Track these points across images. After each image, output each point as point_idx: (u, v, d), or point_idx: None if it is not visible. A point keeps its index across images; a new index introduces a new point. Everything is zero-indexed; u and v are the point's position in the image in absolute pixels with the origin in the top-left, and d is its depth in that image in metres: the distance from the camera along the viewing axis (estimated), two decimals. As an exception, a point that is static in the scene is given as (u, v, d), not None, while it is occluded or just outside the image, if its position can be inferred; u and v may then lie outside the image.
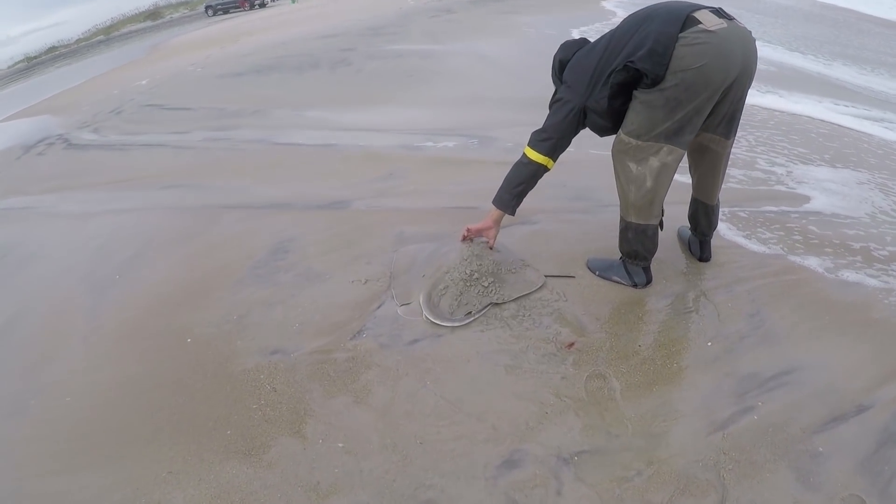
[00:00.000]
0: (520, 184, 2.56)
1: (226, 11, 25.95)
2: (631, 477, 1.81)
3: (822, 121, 5.36)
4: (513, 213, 2.65)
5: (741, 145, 4.47)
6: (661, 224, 2.55)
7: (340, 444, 1.95)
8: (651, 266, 2.65)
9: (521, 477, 1.82)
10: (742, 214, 3.30)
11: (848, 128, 5.23)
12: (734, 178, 3.82)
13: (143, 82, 9.60)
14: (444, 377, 2.20)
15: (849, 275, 2.75)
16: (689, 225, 2.88)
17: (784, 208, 3.43)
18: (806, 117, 5.43)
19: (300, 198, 3.92)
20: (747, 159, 4.19)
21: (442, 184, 3.98)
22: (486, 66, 7.76)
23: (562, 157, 2.53)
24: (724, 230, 3.12)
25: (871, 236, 3.10)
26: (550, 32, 9.71)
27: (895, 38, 11.01)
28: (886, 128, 5.39)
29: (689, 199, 2.77)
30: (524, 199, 2.63)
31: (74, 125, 7.14)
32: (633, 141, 2.31)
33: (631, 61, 2.13)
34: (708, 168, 2.57)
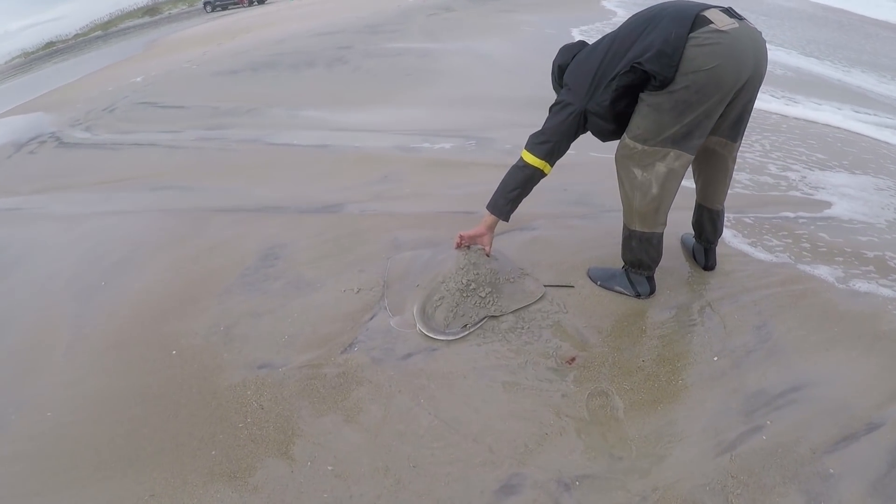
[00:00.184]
0: (515, 188, 2.45)
1: (224, 8, 25.81)
2: (635, 503, 1.72)
3: (841, 128, 5.25)
4: (507, 220, 2.55)
5: (755, 150, 4.38)
6: None
7: (330, 467, 1.86)
8: (654, 275, 2.56)
9: (520, 503, 1.73)
10: (748, 221, 3.21)
11: (868, 136, 5.12)
12: (742, 183, 3.73)
13: (138, 79, 9.51)
14: (438, 395, 2.10)
15: (860, 285, 2.66)
16: (692, 232, 2.79)
17: (802, 214, 3.34)
18: (823, 124, 5.33)
19: (292, 201, 3.82)
20: (758, 164, 4.11)
21: (438, 187, 3.88)
22: (484, 66, 7.67)
23: (562, 159, 2.43)
24: (730, 237, 3.03)
25: (886, 244, 3.01)
26: (550, 31, 9.63)
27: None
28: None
29: (692, 205, 2.68)
30: (520, 205, 2.53)
31: (67, 123, 7.05)
32: (639, 146, 2.21)
33: (638, 62, 2.03)
34: (714, 172, 2.48)
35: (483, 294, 2.51)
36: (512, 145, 4.52)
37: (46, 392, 2.34)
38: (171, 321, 2.66)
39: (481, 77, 7.09)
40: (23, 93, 12.09)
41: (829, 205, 3.49)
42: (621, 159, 2.32)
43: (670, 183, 2.25)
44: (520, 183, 2.44)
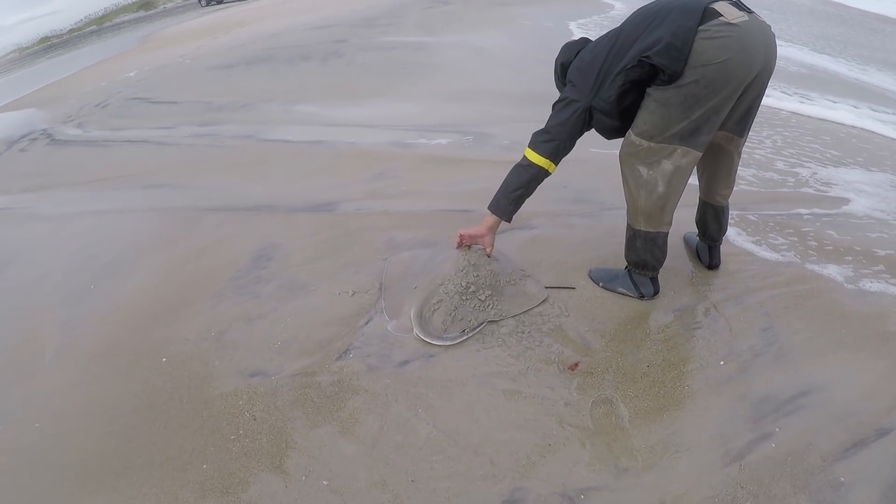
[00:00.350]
0: (518, 188, 2.37)
1: (219, 2, 25.58)
2: (642, 518, 1.66)
3: (856, 127, 5.17)
4: (509, 220, 2.47)
5: (765, 147, 4.31)
6: None
7: (325, 482, 1.79)
8: (658, 276, 2.50)
9: (523, 519, 1.67)
10: (752, 218, 3.15)
11: (883, 135, 5.04)
12: (747, 179, 3.67)
13: (132, 74, 9.38)
14: (437, 404, 2.03)
15: (868, 284, 2.60)
16: (695, 230, 2.72)
17: (816, 210, 3.28)
18: (836, 122, 5.25)
19: (286, 199, 3.74)
20: (767, 160, 4.05)
21: (435, 184, 3.81)
22: (481, 59, 7.57)
23: (562, 156, 2.36)
24: (734, 235, 2.96)
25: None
26: (548, 25, 9.53)
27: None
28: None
29: (695, 202, 2.62)
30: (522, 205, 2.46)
31: (59, 119, 6.96)
32: (645, 143, 2.14)
33: (646, 56, 1.97)
34: (718, 167, 2.42)
35: (483, 297, 2.44)
36: (510, 141, 4.45)
37: (33, 402, 2.27)
38: (161, 326, 2.58)
39: (478, 71, 7.00)
40: (16, 88, 11.93)
41: (846, 201, 3.44)
42: (626, 157, 2.25)
43: (677, 181, 2.18)
44: (523, 182, 2.36)
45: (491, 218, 2.47)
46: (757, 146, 4.29)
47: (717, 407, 2.01)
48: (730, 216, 2.64)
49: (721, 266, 2.70)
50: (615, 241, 2.83)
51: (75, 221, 3.84)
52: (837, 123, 5.22)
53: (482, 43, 8.43)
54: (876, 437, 1.89)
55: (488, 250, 2.58)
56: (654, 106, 2.07)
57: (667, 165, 2.14)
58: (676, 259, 2.75)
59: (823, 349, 2.26)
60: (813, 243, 2.90)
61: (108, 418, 2.13)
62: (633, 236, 2.39)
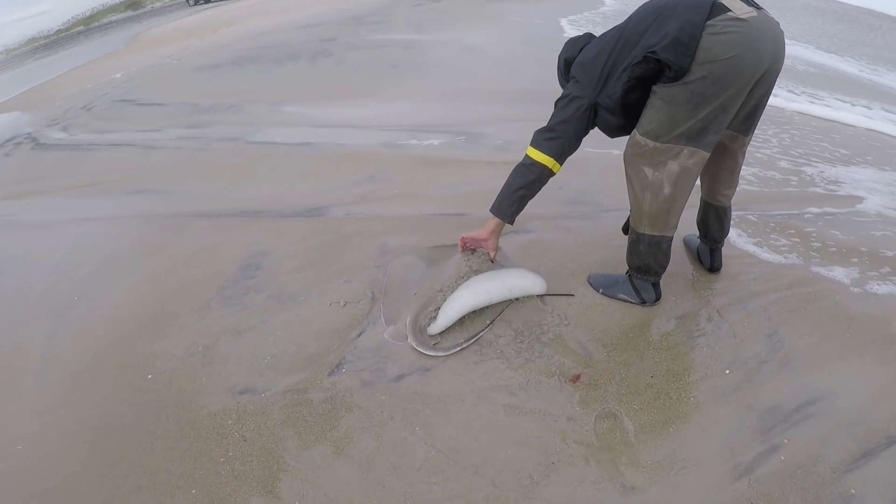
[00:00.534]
0: (520, 188, 2.29)
1: (207, 0, 25.31)
2: (651, 540, 1.60)
3: (869, 129, 5.13)
4: (511, 222, 2.40)
5: (771, 146, 4.25)
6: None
7: (319, 507, 1.71)
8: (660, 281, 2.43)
9: (527, 544, 1.60)
10: (751, 218, 3.09)
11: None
12: (748, 179, 3.62)
13: (118, 75, 9.23)
14: (434, 421, 1.95)
15: (872, 286, 2.55)
16: (695, 233, 2.66)
17: (824, 209, 3.23)
18: (845, 123, 5.21)
19: (274, 204, 3.65)
20: (768, 159, 3.99)
21: (427, 187, 3.72)
22: (472, 57, 7.48)
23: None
24: (734, 237, 2.90)
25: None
26: (539, 21, 9.45)
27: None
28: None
29: (696, 203, 2.55)
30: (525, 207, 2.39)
31: (44, 122, 6.81)
32: (651, 143, 2.07)
33: (652, 51, 1.89)
34: (722, 167, 2.35)
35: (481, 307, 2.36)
36: (503, 140, 4.37)
37: (15, 423, 2.17)
38: (146, 340, 2.49)
39: (469, 69, 6.91)
40: (1, 91, 11.76)
41: (860, 199, 3.39)
42: (631, 157, 2.18)
43: (683, 182, 2.11)
44: (525, 182, 2.28)
45: (493, 221, 2.41)
46: (762, 145, 4.23)
47: (724, 418, 1.95)
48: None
49: (722, 269, 2.64)
50: (614, 244, 2.77)
51: (59, 229, 3.74)
52: (847, 125, 5.17)
53: (473, 40, 8.33)
54: (885, 445, 1.86)
55: (492, 254, 2.52)
56: (660, 104, 2.00)
57: (673, 166, 2.07)
58: (677, 262, 2.68)
59: (829, 355, 2.22)
60: (816, 244, 2.84)
61: (93, 440, 2.04)
62: (636, 240, 2.31)
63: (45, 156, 5.60)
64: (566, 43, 2.33)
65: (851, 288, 2.55)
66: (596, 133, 2.29)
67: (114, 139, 5.69)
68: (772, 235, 2.92)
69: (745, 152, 2.32)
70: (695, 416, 1.96)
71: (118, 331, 2.58)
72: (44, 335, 2.64)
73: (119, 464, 1.93)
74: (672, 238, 2.29)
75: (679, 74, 1.90)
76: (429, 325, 2.31)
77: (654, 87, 2.01)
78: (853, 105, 5.84)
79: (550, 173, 2.26)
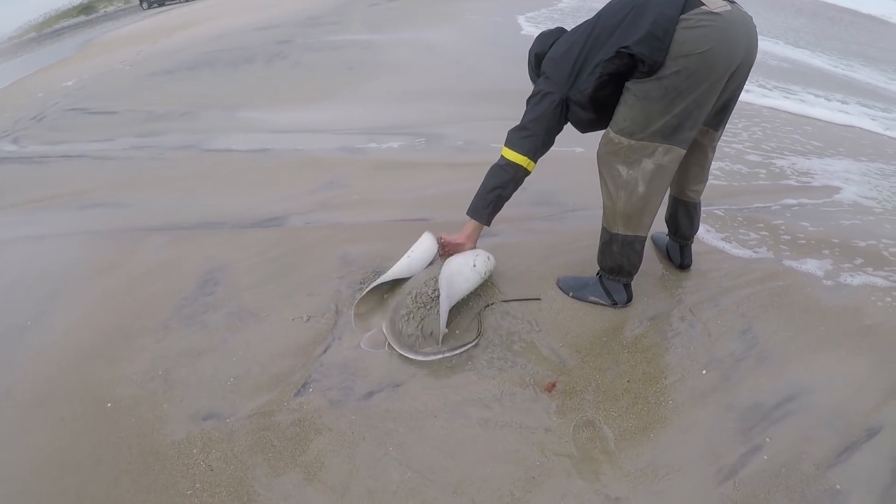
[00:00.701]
0: (495, 188, 2.26)
1: (161, 4, 24.69)
2: (638, 554, 1.53)
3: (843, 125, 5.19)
4: (488, 224, 2.37)
5: (742, 139, 4.26)
6: None
7: (290, 540, 1.60)
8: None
9: (511, 566, 1.51)
10: (718, 213, 3.07)
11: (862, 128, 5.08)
12: (721, 172, 3.59)
13: (70, 83, 8.87)
14: (408, 440, 1.85)
15: (842, 277, 2.56)
16: (664, 230, 2.62)
17: (803, 200, 3.25)
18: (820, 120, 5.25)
19: (231, 214, 3.49)
20: (736, 152, 3.97)
21: (388, 191, 3.61)
22: (430, 56, 7.40)
23: (518, 155, 2.23)
24: (702, 232, 2.89)
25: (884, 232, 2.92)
26: (497, 20, 9.41)
27: (876, 30, 11.12)
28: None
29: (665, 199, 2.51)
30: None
31: (-5, 135, 6.50)
32: (625, 140, 2.02)
33: (625, 46, 1.85)
34: (691, 162, 2.31)
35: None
36: (464, 141, 4.29)
37: (-34, 459, 2.00)
38: (104, 365, 2.31)
39: (427, 69, 6.82)
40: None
41: (837, 190, 3.42)
42: (605, 156, 2.12)
43: (658, 181, 2.06)
44: (500, 183, 2.26)
45: (470, 224, 2.39)
46: (732, 139, 4.25)
47: (704, 420, 1.91)
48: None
49: (692, 266, 2.61)
50: (582, 245, 2.72)
51: (11, 249, 3.50)
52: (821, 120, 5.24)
53: (430, 40, 8.26)
54: (866, 437, 1.87)
55: None
56: (634, 101, 1.95)
57: (648, 164, 2.03)
58: (646, 260, 2.61)
59: (804, 349, 2.21)
60: (786, 237, 2.84)
61: (53, 475, 1.87)
62: (609, 240, 2.26)
63: (-4, 170, 5.32)
64: (537, 37, 2.28)
65: (824, 280, 2.55)
66: (579, 132, 2.26)
67: (66, 150, 5.43)
68: (740, 230, 2.91)
69: (714, 147, 2.29)
70: (674, 419, 1.91)
71: (74, 357, 2.40)
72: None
73: (81, 500, 1.78)
74: (645, 239, 2.24)
75: (653, 69, 1.86)
76: (404, 328, 2.22)
77: (628, 84, 1.96)
78: (828, 100, 5.94)
79: (525, 172, 2.23)
